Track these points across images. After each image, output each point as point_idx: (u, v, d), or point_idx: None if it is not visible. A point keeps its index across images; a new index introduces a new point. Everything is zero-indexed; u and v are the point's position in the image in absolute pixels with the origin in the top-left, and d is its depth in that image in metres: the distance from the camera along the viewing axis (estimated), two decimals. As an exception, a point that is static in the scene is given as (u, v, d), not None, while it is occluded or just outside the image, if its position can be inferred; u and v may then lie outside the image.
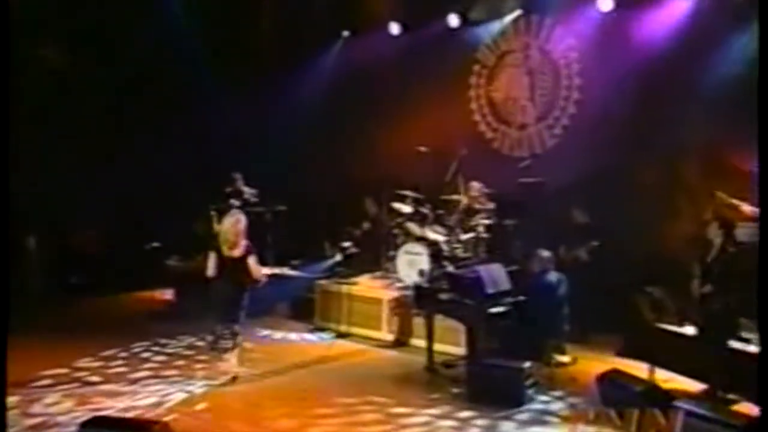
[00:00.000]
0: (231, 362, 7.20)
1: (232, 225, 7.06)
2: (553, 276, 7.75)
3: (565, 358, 7.84)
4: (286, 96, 11.26)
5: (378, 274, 9.72)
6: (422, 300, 8.08)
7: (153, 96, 11.09)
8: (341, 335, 9.06)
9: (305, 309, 9.72)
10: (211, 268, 7.06)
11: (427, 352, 7.85)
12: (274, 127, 11.16)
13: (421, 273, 8.64)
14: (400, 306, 8.82)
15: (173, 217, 10.49)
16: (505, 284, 7.79)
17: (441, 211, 9.41)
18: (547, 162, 9.67)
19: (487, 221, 9.17)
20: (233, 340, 7.26)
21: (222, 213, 10.25)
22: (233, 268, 7.05)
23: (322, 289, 9.59)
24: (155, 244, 10.69)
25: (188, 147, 11.24)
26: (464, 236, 9.13)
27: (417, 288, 8.19)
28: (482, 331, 7.53)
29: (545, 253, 7.78)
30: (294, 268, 10.35)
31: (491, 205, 9.24)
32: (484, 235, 9.11)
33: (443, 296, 7.79)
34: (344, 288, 9.31)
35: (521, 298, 7.75)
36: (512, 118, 10.45)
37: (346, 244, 9.83)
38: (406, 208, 9.72)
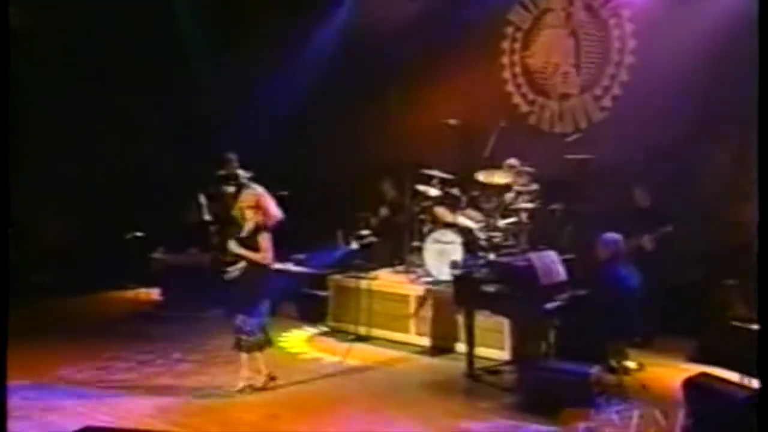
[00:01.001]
0: (252, 366, 6.97)
1: (244, 200, 6.94)
2: (623, 266, 7.30)
3: (630, 364, 7.45)
4: (288, 65, 10.94)
5: (399, 267, 9.36)
6: (462, 294, 7.69)
7: (133, 66, 10.84)
8: (360, 338, 8.72)
9: (315, 309, 9.45)
10: (230, 244, 6.94)
11: (467, 356, 7.58)
12: (274, 100, 10.83)
13: (454, 265, 8.30)
14: (434, 303, 8.49)
15: (158, 203, 10.31)
16: (561, 275, 7.46)
17: (475, 193, 9.07)
18: (596, 138, 9.30)
19: (530, 204, 8.79)
20: (257, 337, 6.96)
21: (212, 199, 10.20)
22: (249, 245, 6.87)
23: (335, 285, 9.25)
24: (137, 234, 10.31)
25: (174, 124, 11.06)
26: (503, 222, 8.81)
27: (456, 280, 7.79)
28: (536, 330, 7.25)
29: (614, 238, 7.26)
30: (299, 262, 10.11)
31: (534, 186, 8.87)
32: (526, 221, 8.74)
33: (489, 288, 7.37)
34: (363, 283, 8.95)
35: (582, 291, 7.38)
36: (552, 88, 10.10)
37: (364, 232, 9.52)
38: (434, 191, 9.31)
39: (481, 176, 8.94)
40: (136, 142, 10.75)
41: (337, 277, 9.28)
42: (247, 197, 7.02)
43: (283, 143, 10.79)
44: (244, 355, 6.99)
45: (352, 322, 8.89)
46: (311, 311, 9.48)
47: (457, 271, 7.94)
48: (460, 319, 7.86)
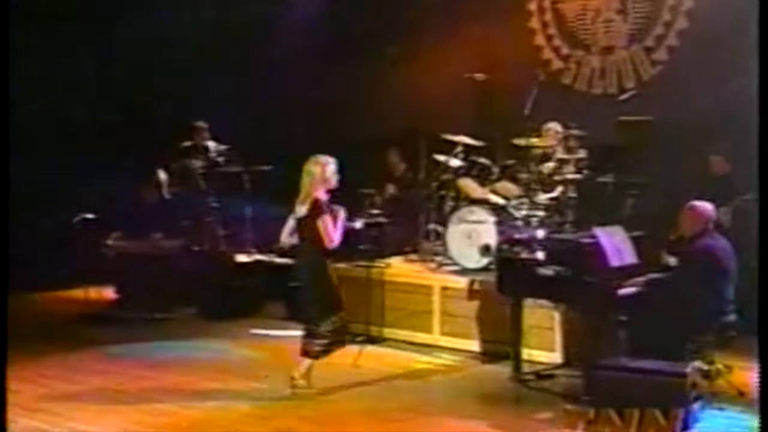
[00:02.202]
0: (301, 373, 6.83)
1: (308, 172, 6.77)
2: (716, 240, 6.79)
3: (719, 365, 6.92)
4: (270, 23, 10.77)
5: (413, 256, 9.00)
6: (511, 279, 7.20)
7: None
8: (371, 339, 8.26)
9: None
10: (284, 233, 6.93)
11: (513, 357, 7.22)
12: (254, 57, 10.68)
13: (486, 250, 8.10)
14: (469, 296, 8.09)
15: (113, 179, 9.80)
16: (632, 256, 7.03)
17: (510, 162, 8.75)
18: (649, 98, 9.05)
19: (577, 175, 8.42)
20: (335, 338, 6.84)
21: (174, 174, 9.98)
22: (305, 231, 6.75)
23: (338, 275, 8.33)
24: (87, 216, 9.67)
25: (133, 84, 10.76)
26: (545, 196, 8.43)
27: (503, 261, 7.36)
28: (603, 322, 6.77)
29: (707, 207, 6.80)
30: (284, 253, 9.39)
31: (582, 154, 8.45)
32: (573, 195, 8.39)
33: (546, 272, 6.90)
34: (373, 272, 8.51)
35: (658, 275, 6.94)
36: (592, 40, 9.83)
37: (374, 211, 9.10)
38: (456, 161, 8.91)
39: (521, 141, 8.52)
40: (81, 101, 10.37)
41: (340, 266, 8.50)
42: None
43: (266, 111, 10.60)
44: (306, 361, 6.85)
45: (361, 320, 8.38)
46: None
47: (503, 251, 7.61)
48: (501, 311, 7.52)
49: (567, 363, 7.36)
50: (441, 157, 8.93)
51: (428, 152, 8.99)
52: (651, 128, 8.62)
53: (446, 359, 7.90)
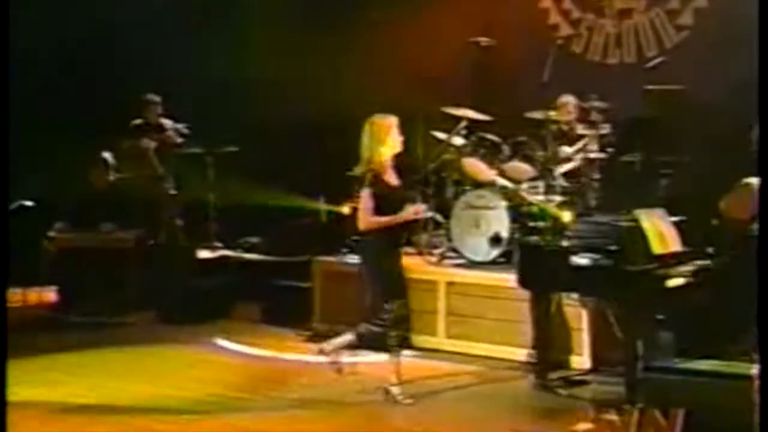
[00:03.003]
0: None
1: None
2: None
3: None
4: None
5: (408, 248, 8.43)
6: (536, 270, 6.92)
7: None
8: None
9: (291, 307, 9.02)
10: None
11: (537, 360, 7.09)
12: (215, 21, 10.71)
13: (496, 239, 8.06)
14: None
15: (56, 160, 9.83)
16: (676, 242, 6.74)
17: (522, 139, 8.55)
18: (676, 65, 8.89)
19: (600, 154, 8.32)
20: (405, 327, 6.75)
21: (124, 156, 9.88)
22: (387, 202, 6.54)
23: (324, 272, 8.77)
24: (25, 203, 9.59)
25: (80, 54, 10.67)
26: (562, 178, 8.36)
27: (527, 249, 7.06)
28: (645, 319, 6.49)
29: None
30: (252, 248, 10.19)
31: (605, 129, 8.37)
32: (598, 175, 8.30)
33: (581, 261, 6.53)
34: None
35: (706, 264, 6.66)
36: (606, 2, 9.68)
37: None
38: (459, 139, 8.72)
39: (536, 115, 8.39)
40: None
41: (327, 259, 8.77)
42: None
43: (232, 86, 10.52)
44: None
45: (352, 322, 7.79)
46: (284, 310, 9.07)
47: (525, 239, 7.47)
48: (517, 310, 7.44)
49: (596, 367, 7.19)
50: (441, 135, 8.71)
51: (425, 129, 8.84)
52: (682, 99, 8.51)
53: (456, 366, 7.69)
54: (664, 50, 9.28)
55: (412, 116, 8.61)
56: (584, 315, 7.36)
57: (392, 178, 6.60)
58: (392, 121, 6.55)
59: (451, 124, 8.74)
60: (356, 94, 9.83)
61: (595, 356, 7.32)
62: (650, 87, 8.48)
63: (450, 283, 8.06)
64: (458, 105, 8.70)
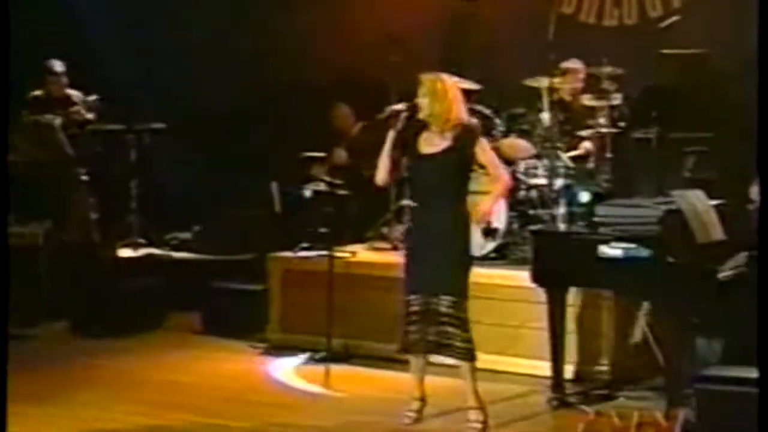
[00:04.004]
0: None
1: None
2: None
3: None
4: None
5: (381, 244, 8.91)
6: (555, 264, 6.89)
7: None
8: (335, 357, 7.92)
9: (236, 315, 8.94)
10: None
11: (553, 369, 6.98)
12: None
13: (490, 231, 7.87)
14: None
15: None
16: (719, 230, 6.79)
17: (519, 111, 8.60)
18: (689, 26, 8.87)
19: (611, 129, 8.32)
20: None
21: (25, 135, 9.66)
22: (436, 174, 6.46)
23: (282, 271, 8.68)
24: None
25: None
26: (568, 155, 8.41)
27: (542, 240, 6.99)
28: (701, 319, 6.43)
29: None
30: (181, 245, 10.11)
31: (617, 99, 8.38)
32: (609, 154, 8.32)
33: (610, 252, 6.48)
34: (335, 264, 8.08)
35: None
36: None
37: (327, 178, 8.89)
38: None
39: (536, 83, 8.42)
40: None
41: (287, 256, 8.64)
42: None
43: (160, 53, 10.59)
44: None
45: (317, 331, 8.05)
46: (230, 319, 8.93)
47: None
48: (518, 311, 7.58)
49: (616, 378, 7.23)
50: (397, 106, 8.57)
51: (398, 99, 8.45)
52: (704, 64, 8.61)
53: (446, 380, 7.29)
54: (672, 10, 9.23)
55: (383, 85, 8.83)
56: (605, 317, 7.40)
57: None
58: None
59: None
60: (318, 57, 9.99)
61: (618, 366, 7.34)
62: (666, 51, 8.46)
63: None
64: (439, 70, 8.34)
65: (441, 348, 6.39)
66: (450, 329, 6.33)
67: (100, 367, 7.87)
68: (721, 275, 6.36)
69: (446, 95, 6.41)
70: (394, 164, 6.47)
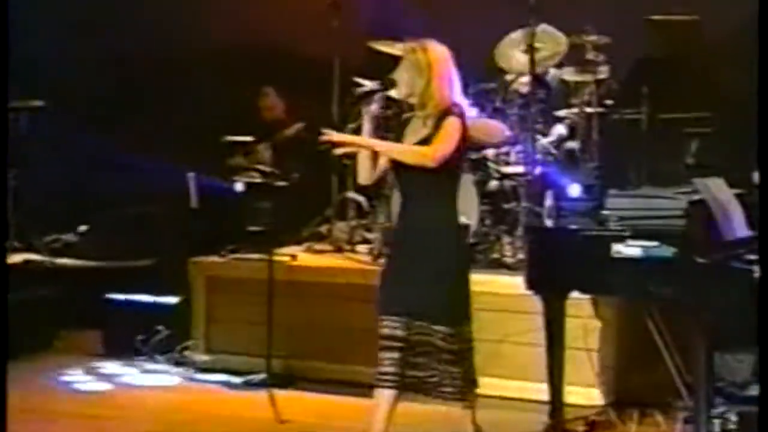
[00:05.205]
0: None
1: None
2: None
3: None
4: None
5: (323, 245, 8.96)
6: (557, 266, 6.75)
7: None
8: (275, 381, 7.83)
9: (144, 332, 8.86)
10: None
11: (551, 394, 6.81)
12: None
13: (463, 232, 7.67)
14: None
15: None
16: (744, 225, 6.76)
17: (491, 86, 8.59)
18: None
19: (597, 107, 8.41)
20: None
21: None
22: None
23: (208, 278, 8.70)
24: None
25: None
26: (549, 139, 8.51)
27: (540, 238, 6.97)
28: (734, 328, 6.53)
29: None
30: (66, 248, 9.97)
31: (603, 73, 8.50)
32: (596, 137, 8.46)
33: (626, 251, 6.38)
34: (274, 269, 8.07)
35: None
36: None
37: (260, 167, 8.97)
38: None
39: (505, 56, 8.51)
40: None
41: (211, 260, 8.65)
42: None
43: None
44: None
45: (253, 350, 8.14)
46: (136, 337, 8.83)
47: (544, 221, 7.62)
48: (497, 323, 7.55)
49: (618, 401, 7.24)
50: (366, 84, 7.98)
51: (341, 74, 8.89)
52: (700, 32, 8.68)
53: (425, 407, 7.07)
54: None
55: (321, 55, 8.94)
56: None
57: None
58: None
59: (380, 66, 8.25)
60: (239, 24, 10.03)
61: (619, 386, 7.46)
62: (654, 17, 8.54)
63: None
64: (391, 39, 8.49)
65: (427, 388, 6.12)
66: (442, 367, 6.08)
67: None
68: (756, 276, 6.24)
69: (429, 69, 6.17)
70: (376, 158, 6.23)
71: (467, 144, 6.19)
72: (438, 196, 6.12)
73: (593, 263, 6.53)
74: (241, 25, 10.30)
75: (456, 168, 6.19)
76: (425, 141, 6.04)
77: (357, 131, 7.03)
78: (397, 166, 6.20)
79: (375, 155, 6.20)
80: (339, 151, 6.23)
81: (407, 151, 5.97)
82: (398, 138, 6.21)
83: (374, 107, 6.19)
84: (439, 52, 6.24)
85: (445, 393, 6.03)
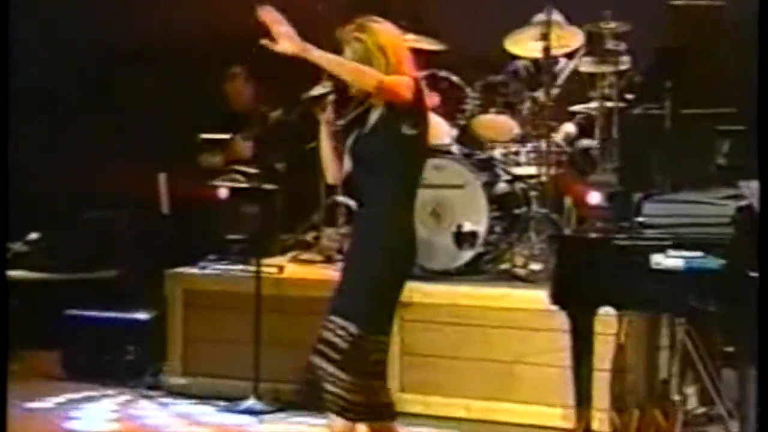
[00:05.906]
0: None
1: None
2: None
3: None
4: None
5: (310, 255, 8.92)
6: (589, 279, 6.60)
7: None
8: (264, 407, 7.99)
9: (114, 352, 8.86)
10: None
11: (577, 416, 6.56)
12: None
13: (467, 236, 8.03)
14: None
15: None
16: None
17: (495, 78, 8.70)
18: None
19: (618, 103, 8.41)
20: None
21: None
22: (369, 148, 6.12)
23: (186, 292, 8.63)
24: None
25: None
26: (560, 136, 8.57)
27: (570, 244, 6.95)
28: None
29: None
30: (16, 259, 9.65)
31: (625, 63, 8.48)
32: (615, 135, 8.43)
33: (667, 262, 6.26)
34: (261, 283, 8.22)
35: None
36: None
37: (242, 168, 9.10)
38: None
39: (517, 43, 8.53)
40: None
41: (189, 272, 8.62)
42: None
43: None
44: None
45: (236, 372, 8.21)
46: (104, 358, 8.84)
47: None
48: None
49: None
50: (315, 88, 8.53)
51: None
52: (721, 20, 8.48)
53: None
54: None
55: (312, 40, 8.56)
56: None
57: None
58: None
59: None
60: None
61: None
62: (677, 2, 8.39)
63: (404, 305, 7.50)
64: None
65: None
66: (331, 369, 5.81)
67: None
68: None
69: (382, 54, 5.79)
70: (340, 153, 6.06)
71: (427, 122, 5.83)
72: (376, 198, 5.87)
73: (629, 275, 6.41)
74: (202, 15, 10.22)
75: (414, 169, 5.90)
76: (374, 130, 5.87)
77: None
78: (356, 162, 5.97)
79: (337, 150, 5.99)
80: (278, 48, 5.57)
81: (352, 68, 5.56)
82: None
83: (328, 113, 5.88)
84: (385, 30, 5.92)
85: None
